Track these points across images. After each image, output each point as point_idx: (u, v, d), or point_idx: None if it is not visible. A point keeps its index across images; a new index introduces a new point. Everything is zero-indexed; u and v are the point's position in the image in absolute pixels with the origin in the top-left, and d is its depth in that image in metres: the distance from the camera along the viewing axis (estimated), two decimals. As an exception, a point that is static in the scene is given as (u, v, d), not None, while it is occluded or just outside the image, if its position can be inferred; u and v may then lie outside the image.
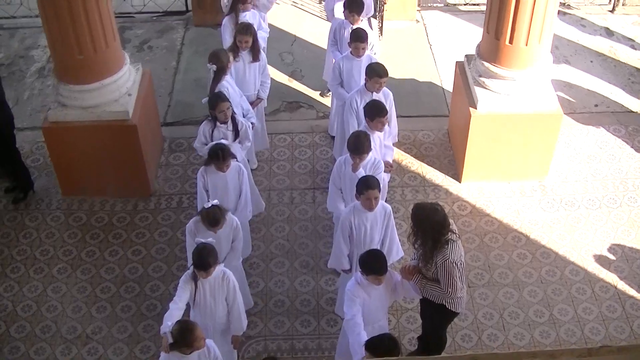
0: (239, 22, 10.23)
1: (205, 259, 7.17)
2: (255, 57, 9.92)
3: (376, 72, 9.06)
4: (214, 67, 9.25)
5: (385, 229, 8.07)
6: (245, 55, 9.87)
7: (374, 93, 9.17)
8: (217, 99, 8.80)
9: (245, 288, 8.68)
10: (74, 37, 9.04)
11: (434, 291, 7.34)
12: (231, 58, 9.62)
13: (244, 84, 9.93)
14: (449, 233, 7.18)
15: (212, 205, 7.71)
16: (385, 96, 9.33)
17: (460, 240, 7.36)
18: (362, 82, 9.43)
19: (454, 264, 7.12)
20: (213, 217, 7.69)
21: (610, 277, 9.28)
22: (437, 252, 7.16)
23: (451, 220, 7.36)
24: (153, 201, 10.26)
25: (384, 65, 9.29)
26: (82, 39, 9.07)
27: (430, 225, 7.12)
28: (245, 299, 8.51)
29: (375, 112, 8.62)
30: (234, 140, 8.99)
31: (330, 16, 11.35)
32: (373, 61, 9.85)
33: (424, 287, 7.37)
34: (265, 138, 10.64)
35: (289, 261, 9.51)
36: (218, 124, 8.86)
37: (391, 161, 9.11)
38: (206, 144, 8.72)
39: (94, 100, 9.57)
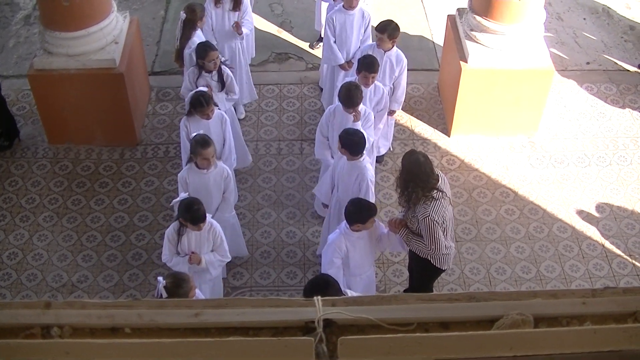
0: None
1: (197, 212, 7.12)
2: (236, 6, 9.79)
3: (382, 28, 9.05)
4: (184, 16, 9.18)
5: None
6: (226, 2, 9.75)
7: (386, 52, 9.20)
8: (207, 48, 8.72)
9: (239, 238, 8.69)
10: (61, -16, 8.92)
11: (419, 246, 7.33)
12: (211, 6, 9.64)
13: (223, 32, 9.86)
14: (435, 191, 7.12)
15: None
16: (397, 60, 9.31)
17: (449, 199, 7.30)
18: (355, 35, 9.52)
19: (434, 222, 7.06)
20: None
21: (598, 236, 9.28)
22: (419, 206, 7.12)
23: (442, 178, 7.30)
24: (139, 150, 10.19)
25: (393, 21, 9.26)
26: (69, -15, 8.94)
27: (415, 175, 7.09)
28: (240, 249, 8.65)
29: (362, 66, 8.59)
30: (220, 90, 8.93)
31: None
32: (366, 14, 9.77)
33: (410, 241, 7.35)
34: (252, 89, 10.53)
35: (276, 212, 9.48)
36: (203, 72, 8.78)
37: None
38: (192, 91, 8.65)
39: (80, 48, 9.46)
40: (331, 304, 2.38)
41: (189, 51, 9.13)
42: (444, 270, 7.83)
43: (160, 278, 6.60)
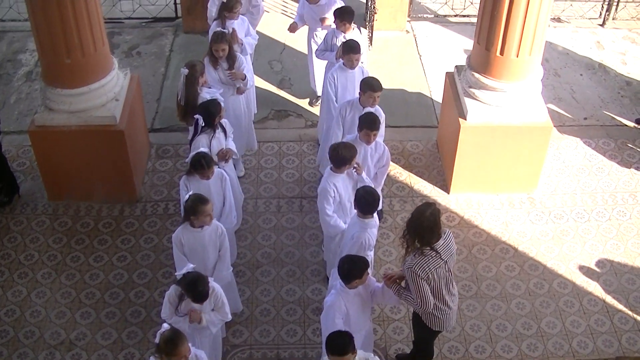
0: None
1: (202, 293, 7.11)
2: (231, 64, 9.87)
3: (370, 85, 9.05)
4: (186, 71, 9.22)
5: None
6: (223, 62, 9.83)
7: (369, 108, 9.16)
8: (218, 105, 8.84)
9: (234, 294, 8.65)
10: (63, 41, 8.99)
11: (407, 299, 7.36)
12: (210, 68, 9.71)
13: (225, 91, 9.91)
14: (429, 249, 7.12)
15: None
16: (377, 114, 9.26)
17: (444, 262, 7.22)
18: (356, 94, 9.48)
19: (417, 275, 7.07)
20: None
21: (599, 291, 9.25)
22: (408, 257, 7.20)
23: (446, 241, 7.27)
24: (139, 207, 10.18)
25: (377, 79, 9.28)
26: (71, 43, 9.02)
27: (415, 225, 7.15)
28: (235, 304, 8.60)
29: (364, 123, 8.63)
30: (225, 139, 9.03)
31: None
32: (365, 71, 9.86)
33: (401, 295, 7.37)
34: (254, 140, 10.62)
35: (275, 270, 9.44)
36: (217, 133, 8.86)
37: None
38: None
39: (81, 105, 9.50)
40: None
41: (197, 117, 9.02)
42: (439, 332, 7.84)
43: (165, 325, 6.68)
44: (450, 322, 7.61)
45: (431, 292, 7.20)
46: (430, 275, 7.12)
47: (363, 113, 8.87)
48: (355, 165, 8.36)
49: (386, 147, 8.99)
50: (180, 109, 9.49)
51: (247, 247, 9.68)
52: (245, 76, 9.95)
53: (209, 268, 7.95)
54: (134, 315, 8.92)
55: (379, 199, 7.86)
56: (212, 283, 7.31)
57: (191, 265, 7.25)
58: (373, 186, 8.38)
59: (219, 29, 10.06)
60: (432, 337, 8.04)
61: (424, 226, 7.10)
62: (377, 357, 6.85)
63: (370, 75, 9.70)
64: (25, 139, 10.48)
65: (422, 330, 7.82)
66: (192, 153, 8.43)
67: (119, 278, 9.32)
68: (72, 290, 9.19)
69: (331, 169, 8.36)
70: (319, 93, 11.33)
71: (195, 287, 7.07)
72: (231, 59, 9.84)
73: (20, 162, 10.79)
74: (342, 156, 8.19)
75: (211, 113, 8.76)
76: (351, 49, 9.66)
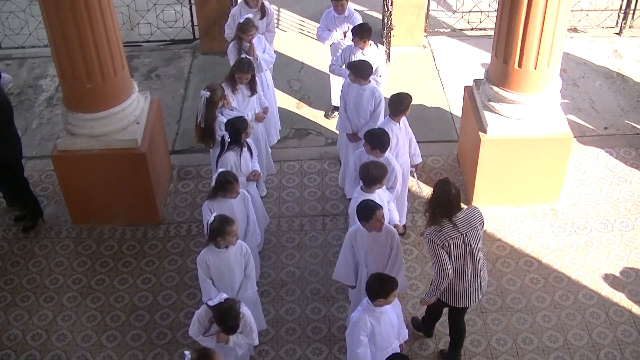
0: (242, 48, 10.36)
1: (232, 327, 7.21)
2: (253, 90, 9.96)
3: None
4: (207, 94, 9.29)
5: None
6: (243, 88, 9.91)
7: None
8: (245, 121, 9.01)
9: (259, 312, 8.63)
10: (83, 66, 9.07)
11: (432, 288, 7.73)
12: (229, 92, 9.76)
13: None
14: (447, 220, 7.38)
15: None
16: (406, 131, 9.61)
17: (462, 235, 7.43)
18: (366, 110, 9.80)
19: (433, 242, 7.38)
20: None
21: (625, 301, 9.19)
22: (429, 228, 7.49)
23: (467, 214, 7.53)
24: (162, 229, 10.23)
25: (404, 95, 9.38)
26: (91, 67, 9.10)
27: (437, 197, 7.45)
28: (259, 323, 8.53)
29: (370, 140, 8.78)
30: (251, 158, 9.15)
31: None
32: (377, 93, 9.90)
33: (430, 293, 7.76)
34: (271, 163, 10.65)
35: (300, 289, 9.45)
36: (243, 152, 8.98)
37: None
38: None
39: (102, 129, 9.58)
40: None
41: (222, 133, 9.14)
42: (451, 306, 8.02)
43: (187, 352, 6.63)
44: (465, 298, 7.83)
45: (450, 262, 7.49)
46: (446, 244, 7.36)
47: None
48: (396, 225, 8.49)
49: (396, 167, 8.95)
50: (198, 130, 9.55)
51: (271, 266, 9.70)
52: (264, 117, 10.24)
53: (235, 288, 7.97)
54: (159, 337, 8.95)
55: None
56: (243, 308, 7.32)
57: (224, 296, 7.23)
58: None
59: (244, 55, 10.12)
60: (453, 315, 8.26)
61: (451, 201, 7.44)
62: None
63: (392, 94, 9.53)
64: (48, 164, 10.57)
65: (450, 313, 8.21)
66: (216, 173, 8.47)
67: (144, 300, 9.36)
68: (98, 313, 9.23)
69: (362, 188, 8.37)
70: (335, 103, 11.63)
71: (225, 322, 7.13)
72: (253, 85, 9.92)
73: (44, 187, 10.87)
74: (372, 175, 8.22)
75: (237, 129, 8.86)
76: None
